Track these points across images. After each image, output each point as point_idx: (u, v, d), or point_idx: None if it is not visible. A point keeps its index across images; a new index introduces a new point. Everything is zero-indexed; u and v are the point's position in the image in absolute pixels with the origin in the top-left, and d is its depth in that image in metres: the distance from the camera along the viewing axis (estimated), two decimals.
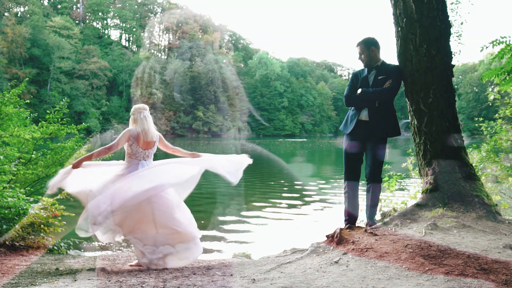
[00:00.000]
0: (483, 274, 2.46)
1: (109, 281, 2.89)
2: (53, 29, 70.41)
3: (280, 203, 10.03)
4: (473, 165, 4.47)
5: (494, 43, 3.93)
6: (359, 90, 3.92)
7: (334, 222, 7.16)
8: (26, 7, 73.33)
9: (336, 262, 2.81)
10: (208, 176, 4.02)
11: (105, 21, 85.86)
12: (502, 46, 3.87)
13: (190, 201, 4.01)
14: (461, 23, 6.08)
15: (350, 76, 4.16)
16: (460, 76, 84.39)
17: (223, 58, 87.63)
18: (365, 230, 3.40)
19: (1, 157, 5.11)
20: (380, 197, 4.25)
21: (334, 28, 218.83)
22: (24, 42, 65.30)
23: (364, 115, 3.92)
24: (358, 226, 3.72)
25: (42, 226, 4.60)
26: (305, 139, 66.13)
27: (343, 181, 4.16)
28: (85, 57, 72.32)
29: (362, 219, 4.28)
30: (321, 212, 8.95)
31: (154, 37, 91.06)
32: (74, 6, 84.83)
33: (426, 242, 2.94)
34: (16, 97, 6.16)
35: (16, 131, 5.87)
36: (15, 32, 64.07)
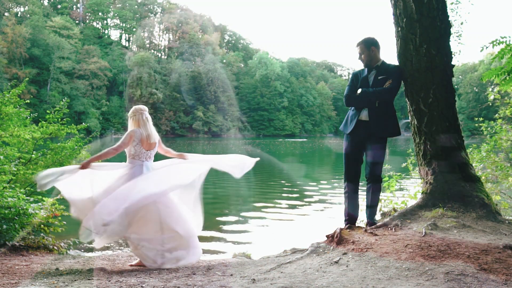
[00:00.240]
0: (483, 274, 2.46)
1: (109, 281, 2.90)
2: (53, 29, 70.41)
3: (280, 203, 10.03)
4: (473, 165, 4.47)
5: (494, 43, 3.93)
6: (359, 90, 3.92)
7: (334, 222, 7.16)
8: (26, 7, 73.34)
9: (336, 262, 2.81)
10: (208, 176, 4.02)
11: (105, 21, 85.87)
12: (502, 46, 3.87)
13: None
14: (461, 23, 6.07)
15: (350, 76, 4.16)
16: (460, 76, 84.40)
17: (223, 58, 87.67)
18: (365, 230, 3.40)
19: (1, 157, 5.11)
20: (380, 197, 4.25)
21: (334, 28, 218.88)
22: (24, 42, 65.29)
23: (364, 115, 3.93)
24: (358, 226, 3.72)
25: (42, 226, 4.60)
26: (305, 139, 66.06)
27: (343, 181, 4.16)
28: (85, 57, 72.32)
29: (362, 219, 4.28)
30: (321, 212, 8.95)
31: (154, 37, 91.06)
32: (74, 6, 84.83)
33: (426, 242, 2.94)
34: (16, 97, 6.16)
35: (16, 131, 5.87)
36: (15, 32, 64.06)
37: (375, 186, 3.91)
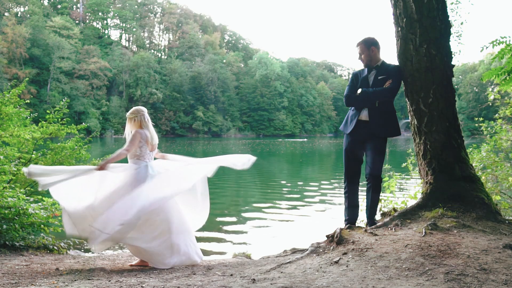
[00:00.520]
0: (483, 274, 2.46)
1: (109, 281, 2.89)
2: (53, 29, 70.45)
3: (280, 203, 10.03)
4: (473, 165, 4.46)
5: (494, 43, 3.93)
6: (359, 90, 3.92)
7: (334, 222, 7.16)
8: (26, 7, 73.37)
9: (336, 262, 2.81)
10: (208, 177, 4.03)
11: (105, 21, 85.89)
12: (502, 46, 3.87)
13: None
14: (461, 23, 6.08)
15: (350, 76, 4.16)
16: (460, 76, 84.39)
17: (223, 58, 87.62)
18: (365, 230, 3.40)
19: (1, 157, 5.11)
20: (380, 197, 4.25)
21: (334, 28, 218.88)
22: (24, 42, 65.30)
23: (364, 115, 3.93)
24: (358, 226, 3.72)
25: (42, 226, 4.60)
26: (305, 139, 66.00)
27: (343, 181, 4.16)
28: (85, 57, 72.33)
29: (362, 219, 4.28)
30: (321, 212, 8.95)
31: (154, 37, 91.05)
32: (74, 6, 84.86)
33: (426, 242, 2.94)
34: (16, 97, 6.16)
35: (16, 131, 5.87)
36: (15, 32, 64.07)
37: (375, 186, 3.90)
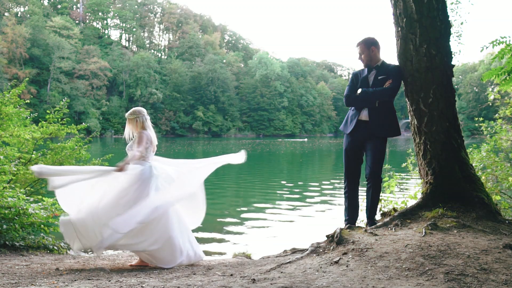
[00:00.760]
0: (483, 274, 2.46)
1: (109, 281, 2.89)
2: (53, 29, 70.46)
3: (280, 203, 10.03)
4: (473, 165, 4.46)
5: (494, 43, 3.93)
6: (359, 90, 3.92)
7: (334, 222, 7.16)
8: (26, 7, 73.38)
9: (336, 262, 2.81)
10: (208, 177, 4.03)
11: (105, 21, 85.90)
12: (502, 46, 3.87)
13: None
14: (461, 23, 6.08)
15: (350, 76, 4.16)
16: (460, 76, 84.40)
17: (223, 58, 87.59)
18: (365, 230, 3.40)
19: (1, 157, 5.11)
20: (380, 197, 4.25)
21: (334, 28, 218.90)
22: (24, 42, 65.31)
23: (364, 115, 3.93)
24: (358, 226, 3.72)
25: (42, 226, 4.60)
26: (305, 139, 65.94)
27: (343, 181, 4.16)
28: (85, 57, 72.33)
29: (362, 219, 4.28)
30: (321, 212, 8.95)
31: (154, 37, 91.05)
32: (74, 6, 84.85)
33: (426, 242, 2.94)
34: (16, 97, 6.16)
35: (16, 131, 5.88)
36: (15, 32, 64.08)
37: (375, 186, 3.90)
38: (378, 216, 4.12)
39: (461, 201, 3.65)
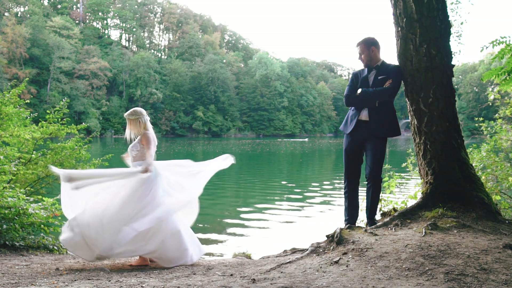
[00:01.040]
0: (483, 274, 2.46)
1: (109, 281, 2.89)
2: (53, 29, 70.47)
3: (280, 204, 10.03)
4: (473, 165, 4.46)
5: (494, 43, 3.93)
6: (359, 90, 3.92)
7: (334, 222, 7.16)
8: (26, 7, 73.38)
9: (336, 262, 2.81)
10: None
11: (105, 21, 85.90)
12: (502, 46, 3.87)
13: None
14: (461, 23, 6.07)
15: (350, 76, 4.16)
16: (460, 76, 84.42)
17: (223, 58, 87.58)
18: (365, 230, 3.40)
19: (1, 157, 5.11)
20: (380, 197, 4.25)
21: (334, 28, 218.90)
22: (24, 42, 65.31)
23: (364, 115, 3.93)
24: (358, 226, 3.72)
25: (42, 226, 4.60)
26: (306, 139, 65.91)
27: (343, 181, 4.16)
28: (85, 57, 72.33)
29: (362, 219, 4.28)
30: (321, 212, 8.95)
31: (154, 37, 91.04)
32: (74, 6, 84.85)
33: (426, 242, 2.94)
34: (16, 97, 6.16)
35: (16, 131, 5.88)
36: (15, 32, 64.08)
37: (375, 186, 3.91)
38: (378, 216, 4.12)
39: (461, 201, 3.65)
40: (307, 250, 3.27)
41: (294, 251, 3.75)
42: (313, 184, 13.76)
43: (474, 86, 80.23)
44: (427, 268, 2.55)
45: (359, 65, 4.14)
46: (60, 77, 67.26)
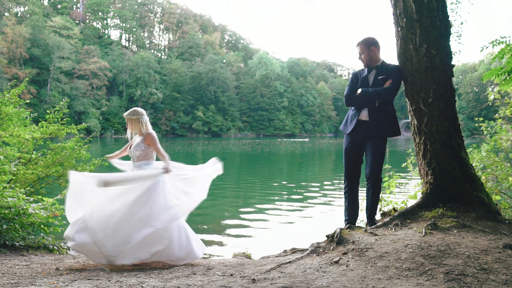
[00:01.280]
0: (483, 274, 2.46)
1: (109, 281, 2.89)
2: (53, 29, 70.47)
3: (280, 203, 10.03)
4: (473, 165, 4.46)
5: (494, 43, 3.93)
6: (359, 90, 3.92)
7: (334, 222, 7.16)
8: (26, 7, 73.38)
9: (336, 262, 2.81)
10: None
11: (105, 21, 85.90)
12: (502, 46, 3.87)
13: None
14: (461, 23, 6.07)
15: (350, 76, 4.16)
16: (460, 76, 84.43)
17: (223, 58, 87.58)
18: (365, 230, 3.40)
19: (1, 157, 5.11)
20: (380, 197, 4.25)
21: (334, 28, 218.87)
22: (24, 42, 65.30)
23: (364, 115, 3.93)
24: (358, 226, 3.72)
25: (42, 226, 4.60)
26: (306, 139, 65.86)
27: (343, 181, 4.16)
28: (85, 57, 72.34)
29: (362, 219, 4.28)
30: (321, 212, 8.95)
31: (154, 37, 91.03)
32: (74, 6, 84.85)
33: (426, 242, 2.94)
34: (16, 97, 6.16)
35: (16, 131, 5.88)
36: (15, 32, 64.07)
37: (375, 186, 3.91)
38: (378, 216, 4.12)
39: (461, 201, 3.65)
40: (307, 250, 3.27)
41: (294, 251, 3.75)
42: (313, 184, 13.76)
43: (474, 86, 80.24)
44: (427, 268, 2.55)
45: (359, 65, 4.14)
46: (60, 77, 67.25)
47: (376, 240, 3.10)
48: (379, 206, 4.28)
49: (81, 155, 6.48)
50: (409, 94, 3.94)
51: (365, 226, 3.83)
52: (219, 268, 3.32)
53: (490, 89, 5.70)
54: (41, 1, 79.17)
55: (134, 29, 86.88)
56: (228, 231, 7.29)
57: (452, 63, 3.88)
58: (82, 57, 72.14)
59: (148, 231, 3.49)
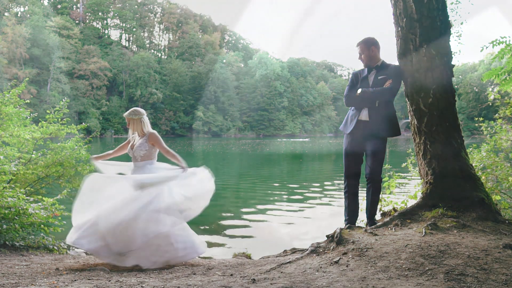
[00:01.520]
0: (483, 274, 2.45)
1: (109, 281, 2.89)
2: (53, 29, 70.47)
3: (280, 204, 10.02)
4: (473, 165, 4.46)
5: (494, 43, 3.93)
6: (359, 90, 3.92)
7: (334, 222, 7.16)
8: (26, 7, 73.33)
9: (336, 262, 2.81)
10: None
11: (105, 21, 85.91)
12: (502, 46, 3.87)
13: None
14: (461, 23, 6.07)
15: (350, 76, 4.16)
16: (460, 76, 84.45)
17: (223, 58, 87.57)
18: (365, 230, 3.40)
19: (1, 157, 5.11)
20: (380, 197, 4.25)
21: (334, 28, 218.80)
22: (24, 42, 65.29)
23: (364, 115, 3.93)
24: (358, 226, 3.72)
25: (42, 226, 4.60)
26: (307, 139, 65.82)
27: (343, 181, 4.16)
28: (85, 57, 72.38)
29: (362, 219, 4.28)
30: (321, 212, 8.95)
31: (154, 37, 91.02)
32: (74, 6, 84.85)
33: (426, 242, 2.93)
34: (16, 97, 6.15)
35: (16, 131, 5.87)
36: (15, 32, 64.07)
37: (375, 186, 3.91)
38: (378, 216, 4.12)
39: (461, 201, 3.65)
40: (307, 250, 3.27)
41: (294, 251, 3.75)
42: (313, 184, 13.76)
43: (474, 86, 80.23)
44: (427, 268, 2.55)
45: (359, 65, 4.14)
46: (60, 77, 67.26)
47: (376, 240, 3.10)
48: (379, 206, 4.29)
49: (81, 155, 6.47)
50: (409, 94, 3.94)
51: (365, 226, 3.83)
52: (219, 268, 3.32)
53: (490, 89, 5.70)
54: (41, 1, 79.12)
55: (134, 29, 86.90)
56: (228, 231, 7.28)
57: (452, 63, 3.88)
58: (82, 57, 72.18)
59: (155, 233, 3.49)
